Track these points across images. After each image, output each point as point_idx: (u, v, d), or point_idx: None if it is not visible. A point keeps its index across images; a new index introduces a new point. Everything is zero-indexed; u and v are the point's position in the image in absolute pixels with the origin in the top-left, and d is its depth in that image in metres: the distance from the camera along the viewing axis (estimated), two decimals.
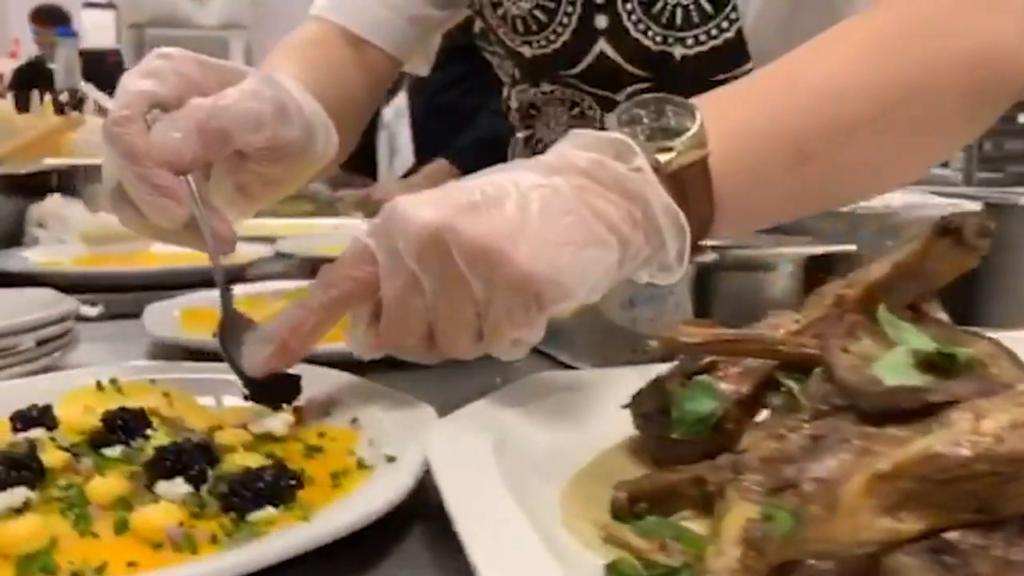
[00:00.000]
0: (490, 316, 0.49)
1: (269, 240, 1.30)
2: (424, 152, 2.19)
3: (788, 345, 0.42)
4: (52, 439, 0.53)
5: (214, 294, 0.94)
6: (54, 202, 1.28)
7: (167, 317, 0.84)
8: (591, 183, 0.50)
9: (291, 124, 0.64)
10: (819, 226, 0.84)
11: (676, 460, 0.46)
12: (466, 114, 2.09)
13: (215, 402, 0.61)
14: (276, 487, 0.43)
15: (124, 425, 0.52)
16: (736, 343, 0.42)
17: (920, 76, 0.59)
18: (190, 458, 0.45)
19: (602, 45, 0.96)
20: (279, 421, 0.54)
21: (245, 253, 1.19)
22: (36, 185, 1.31)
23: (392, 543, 0.44)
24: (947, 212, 0.45)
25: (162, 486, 0.45)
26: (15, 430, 0.53)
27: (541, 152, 1.18)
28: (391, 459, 0.46)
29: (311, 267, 1.23)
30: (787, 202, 0.61)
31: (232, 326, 0.61)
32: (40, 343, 0.67)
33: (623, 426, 0.52)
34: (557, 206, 0.49)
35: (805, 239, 0.83)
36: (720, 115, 0.55)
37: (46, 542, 0.39)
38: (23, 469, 0.44)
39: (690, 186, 0.53)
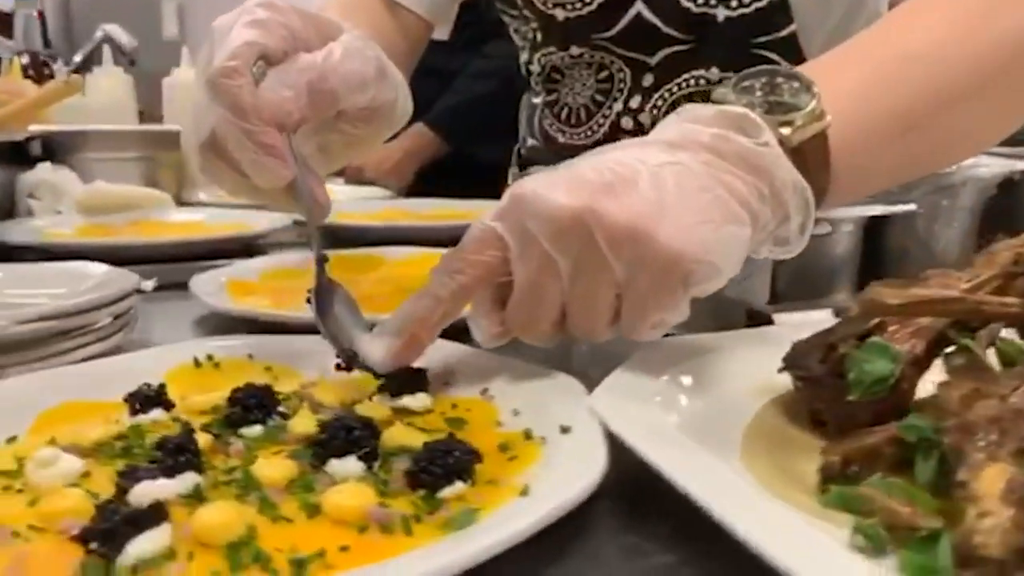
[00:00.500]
0: (632, 298, 0.48)
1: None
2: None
3: (989, 305, 0.42)
4: (176, 419, 0.50)
5: (256, 263, 0.92)
6: (44, 171, 1.21)
7: (215, 288, 0.80)
8: (717, 159, 0.49)
9: (389, 86, 0.62)
10: None
11: (847, 421, 0.45)
12: (449, 77, 2.05)
13: (317, 375, 0.58)
14: (462, 461, 0.41)
15: (257, 403, 0.49)
16: (937, 303, 0.42)
17: None
18: (361, 435, 0.43)
19: (639, 7, 0.95)
20: (416, 399, 0.52)
21: (257, 222, 1.15)
22: (22, 154, 1.24)
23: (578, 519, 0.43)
24: (1001, 172, 0.46)
25: (334, 465, 0.43)
26: (134, 411, 0.50)
27: (567, 117, 1.17)
28: (565, 429, 0.44)
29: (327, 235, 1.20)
30: (894, 170, 0.61)
31: (326, 294, 0.58)
32: (114, 319, 0.63)
33: (763, 387, 0.52)
34: (692, 184, 0.48)
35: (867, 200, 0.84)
36: (832, 85, 0.55)
37: (244, 529, 0.37)
38: (185, 453, 0.42)
39: (811, 159, 0.53)
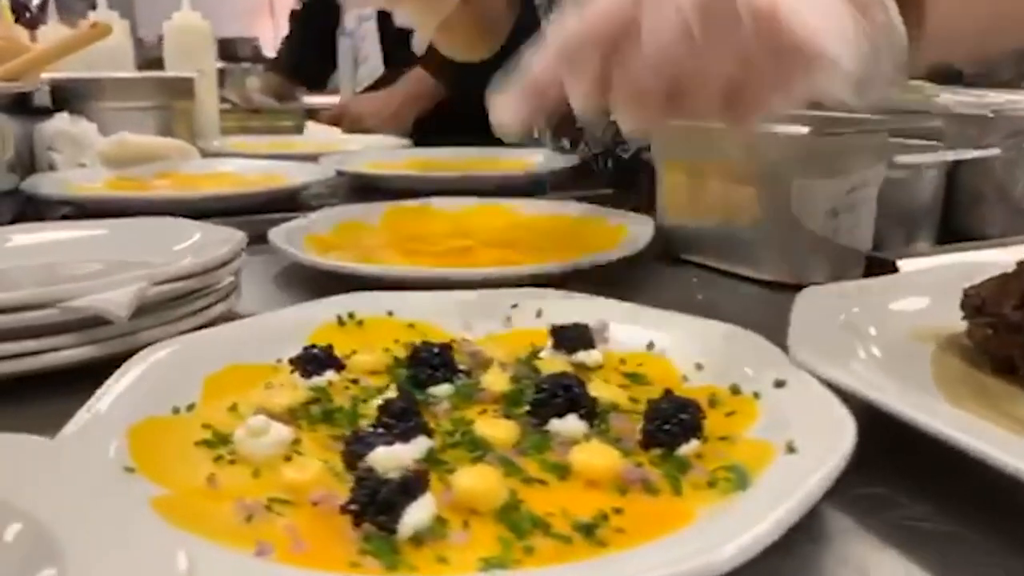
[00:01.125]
0: (756, 76, 0.46)
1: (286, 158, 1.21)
2: (396, 61, 2.08)
3: None
4: (354, 381, 0.48)
5: (322, 217, 0.89)
6: (63, 122, 1.14)
7: (295, 243, 0.77)
8: None
9: None
10: (951, 131, 0.84)
11: None
12: None
13: (460, 330, 0.56)
14: (696, 418, 0.40)
15: (442, 361, 0.47)
16: None
17: None
18: (579, 393, 0.42)
19: None
20: (591, 355, 0.50)
21: (295, 174, 1.11)
22: (26, 103, 1.17)
23: None
24: None
25: (556, 425, 0.42)
26: (307, 373, 0.48)
27: None
28: (779, 383, 0.44)
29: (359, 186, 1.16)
30: (985, 30, 0.60)
31: None
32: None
33: (921, 333, 0.52)
34: None
35: (939, 145, 0.84)
36: None
37: (507, 494, 0.36)
38: (412, 416, 0.40)
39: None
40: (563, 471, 0.38)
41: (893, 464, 0.41)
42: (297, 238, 0.79)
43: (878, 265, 0.67)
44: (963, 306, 0.50)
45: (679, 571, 0.28)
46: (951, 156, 0.81)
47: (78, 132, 1.14)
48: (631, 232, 0.80)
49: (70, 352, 0.50)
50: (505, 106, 0.50)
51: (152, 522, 0.30)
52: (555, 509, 0.35)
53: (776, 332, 0.51)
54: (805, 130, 0.69)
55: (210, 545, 0.32)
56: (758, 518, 0.31)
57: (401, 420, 0.39)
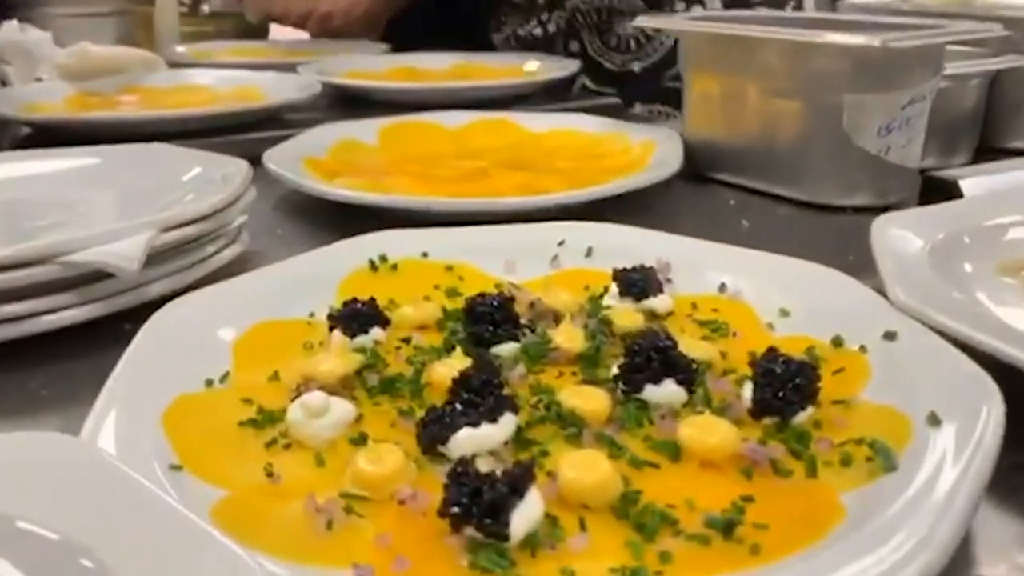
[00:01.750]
0: None
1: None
2: None
3: None
4: (406, 341, 0.43)
5: (315, 137, 0.81)
6: (12, 31, 1.03)
7: (292, 168, 0.70)
8: None
9: None
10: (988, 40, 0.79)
11: None
12: None
13: (502, 271, 0.51)
14: (812, 382, 0.36)
15: (503, 317, 0.42)
16: None
17: None
18: (675, 356, 0.37)
19: None
20: (660, 300, 0.45)
21: (274, 88, 1.02)
22: None
23: None
24: None
25: (652, 392, 0.37)
26: (351, 332, 0.42)
27: None
28: (889, 335, 0.39)
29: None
30: None
31: None
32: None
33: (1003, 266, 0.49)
34: None
35: (988, 52, 0.78)
36: None
37: (620, 482, 0.31)
38: (494, 389, 0.35)
39: None
40: (674, 451, 0.33)
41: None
42: (295, 163, 0.72)
43: (937, 186, 0.62)
44: None
45: None
46: (1001, 64, 0.76)
47: (31, 42, 1.03)
48: (660, 150, 0.74)
49: (72, 312, 0.44)
50: None
51: (222, 547, 0.25)
52: (677, 500, 0.31)
53: (832, 260, 0.47)
54: (860, 39, 0.63)
55: (298, 570, 0.27)
56: (928, 519, 0.27)
57: (482, 396, 0.34)
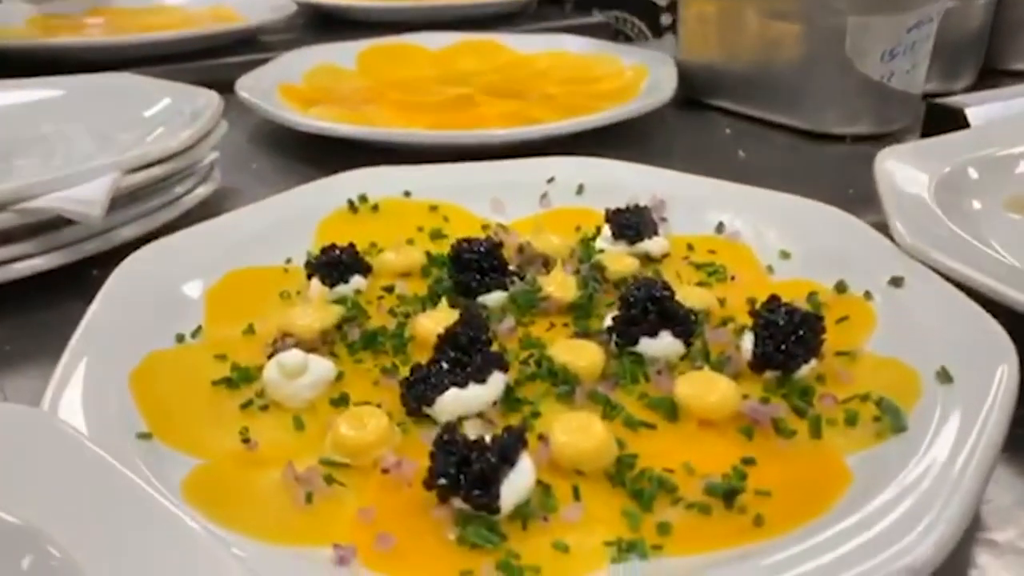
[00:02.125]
0: None
1: None
2: None
3: None
4: (388, 290, 0.41)
5: (288, 63, 0.77)
6: None
7: (266, 96, 0.67)
8: None
9: None
10: None
11: None
12: None
13: (490, 210, 0.48)
14: (816, 333, 0.34)
15: (491, 264, 0.40)
16: None
17: None
18: (672, 307, 0.35)
19: None
20: (655, 242, 0.43)
21: (250, 6, 0.97)
22: None
23: None
24: None
25: (648, 346, 0.35)
26: (329, 281, 0.40)
27: None
28: (896, 281, 0.37)
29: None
30: None
31: None
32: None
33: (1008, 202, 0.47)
34: None
35: None
36: None
37: (615, 447, 0.30)
38: (482, 346, 0.33)
39: None
40: (671, 409, 0.32)
41: None
42: (269, 90, 0.69)
43: (941, 114, 0.59)
44: None
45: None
46: None
47: None
48: (653, 75, 0.71)
49: (35, 261, 0.42)
50: None
51: (191, 534, 0.23)
52: (675, 464, 0.29)
53: (832, 194, 0.45)
54: None
55: (274, 552, 0.25)
56: (941, 490, 0.25)
57: (469, 354, 0.32)
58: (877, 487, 0.27)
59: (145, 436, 0.30)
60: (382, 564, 0.25)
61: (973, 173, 0.49)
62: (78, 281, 0.43)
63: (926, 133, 0.61)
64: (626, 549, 0.26)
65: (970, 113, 0.58)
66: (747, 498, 0.28)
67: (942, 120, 0.59)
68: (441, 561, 0.25)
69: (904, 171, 0.47)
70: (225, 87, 0.63)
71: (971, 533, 0.29)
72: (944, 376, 0.31)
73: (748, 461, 0.29)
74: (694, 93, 0.73)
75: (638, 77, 0.72)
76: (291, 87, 0.72)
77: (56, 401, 0.30)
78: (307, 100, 0.70)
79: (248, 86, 0.68)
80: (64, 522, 0.23)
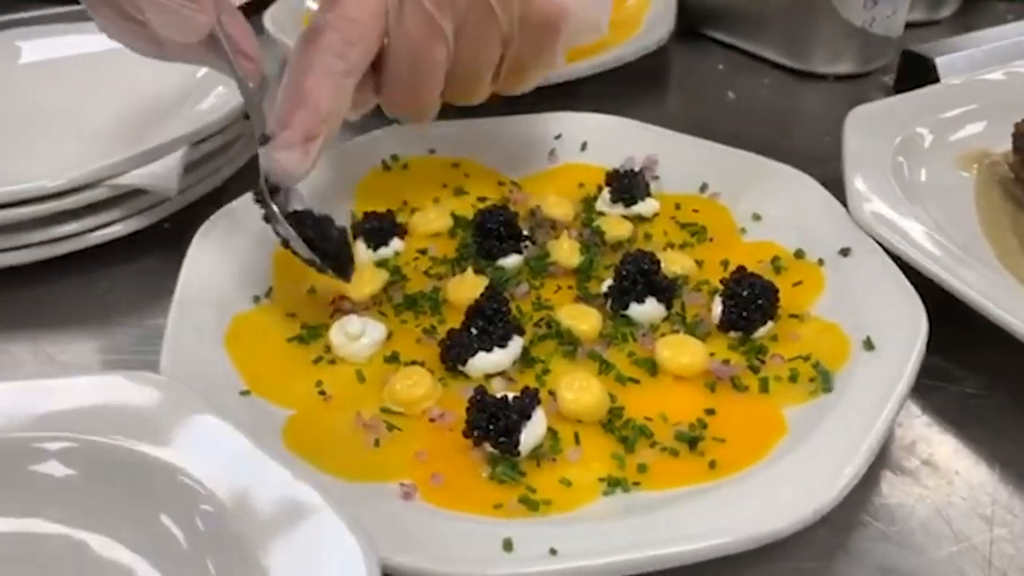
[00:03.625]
0: (514, 55, 0.47)
1: None
2: None
3: None
4: (423, 252, 0.48)
5: None
6: None
7: (293, 30, 0.72)
8: None
9: None
10: None
11: None
12: None
13: (506, 166, 0.55)
14: (772, 299, 0.42)
15: (509, 232, 0.47)
16: None
17: None
18: (657, 279, 0.43)
19: None
20: (647, 204, 0.51)
21: None
22: None
23: None
24: None
25: (636, 311, 0.43)
26: (373, 245, 0.48)
27: None
28: (844, 251, 0.45)
29: None
30: None
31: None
32: None
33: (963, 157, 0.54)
34: None
35: None
36: None
37: (608, 401, 0.38)
38: (504, 315, 0.41)
39: None
40: (652, 367, 0.40)
41: (948, 334, 0.44)
42: (298, 20, 0.74)
43: (914, 60, 0.65)
44: (1015, 141, 0.51)
45: (787, 517, 0.32)
46: None
47: None
48: (654, 8, 0.76)
49: (114, 228, 0.49)
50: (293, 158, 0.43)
51: (302, 476, 0.32)
52: (653, 413, 0.38)
53: (809, 141, 0.53)
54: None
55: (357, 488, 0.34)
56: (851, 443, 0.34)
57: (493, 323, 0.41)
58: (807, 436, 0.36)
59: (245, 393, 0.39)
60: (436, 497, 0.34)
61: (929, 135, 0.55)
62: (151, 236, 0.51)
63: (900, 79, 0.67)
64: (613, 484, 0.35)
65: (940, 63, 0.64)
66: (706, 444, 0.37)
67: (915, 68, 0.65)
68: (479, 495, 0.35)
69: (867, 136, 0.53)
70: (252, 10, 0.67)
71: (881, 467, 0.38)
72: (868, 344, 0.39)
73: (710, 412, 0.38)
74: (692, 23, 0.78)
75: (639, 9, 0.76)
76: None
77: (173, 370, 0.38)
78: None
79: (276, 17, 0.73)
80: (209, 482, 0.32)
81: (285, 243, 0.42)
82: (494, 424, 0.36)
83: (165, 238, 0.51)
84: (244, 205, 0.49)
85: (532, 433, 0.36)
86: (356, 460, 0.36)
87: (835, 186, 0.49)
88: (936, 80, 0.63)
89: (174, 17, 0.40)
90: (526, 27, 0.46)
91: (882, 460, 0.38)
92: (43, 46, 0.65)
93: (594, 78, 0.65)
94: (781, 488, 0.33)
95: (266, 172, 0.43)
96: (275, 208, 0.42)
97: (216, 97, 0.55)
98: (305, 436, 0.37)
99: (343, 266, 0.43)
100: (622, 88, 0.68)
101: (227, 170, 0.54)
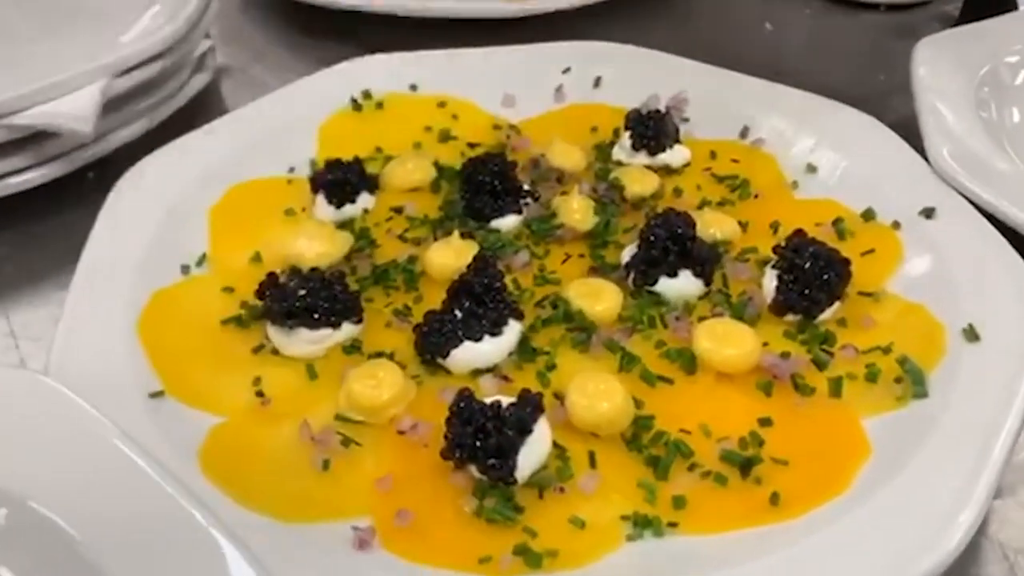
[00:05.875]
0: None
1: None
2: None
3: None
4: (398, 211, 0.39)
5: None
6: None
7: None
8: None
9: None
10: None
11: None
12: None
13: (500, 103, 0.46)
14: (842, 276, 0.33)
15: (504, 188, 0.38)
16: None
17: None
18: (693, 247, 0.34)
19: None
20: (676, 152, 0.41)
21: None
22: None
23: None
24: None
25: (667, 286, 0.34)
26: (336, 201, 0.38)
27: None
28: (927, 212, 0.36)
29: None
30: None
31: None
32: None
33: None
34: None
35: None
36: None
37: (632, 408, 0.29)
38: (496, 294, 0.32)
39: None
40: (689, 362, 0.31)
41: None
42: None
43: None
44: None
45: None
46: None
47: None
48: None
49: (27, 175, 0.40)
50: None
51: (213, 520, 0.23)
52: (691, 424, 0.29)
53: (861, 80, 0.45)
54: None
55: (292, 533, 0.25)
56: (966, 474, 0.25)
57: (483, 303, 0.31)
58: (897, 463, 0.27)
59: (157, 395, 0.30)
60: (401, 545, 0.26)
61: (1021, 68, 0.45)
62: (73, 188, 0.42)
63: (968, 7, 0.57)
64: (642, 525, 0.26)
65: None
66: (764, 469, 0.28)
67: None
68: (460, 542, 0.26)
69: (943, 70, 0.44)
70: None
71: None
72: (971, 334, 0.30)
73: (765, 422, 0.29)
74: None
75: None
76: None
77: (62, 362, 0.29)
78: None
79: None
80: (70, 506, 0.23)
81: None
82: (482, 440, 0.27)
83: (87, 190, 0.41)
84: (177, 151, 0.40)
85: (533, 453, 0.27)
86: (296, 491, 0.27)
87: (900, 132, 0.40)
88: (1014, 7, 0.53)
89: None
90: None
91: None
92: None
93: (610, 12, 0.54)
94: (873, 537, 0.24)
95: None
96: None
97: (151, 18, 0.45)
98: (230, 456, 0.28)
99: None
100: (642, 15, 0.58)
101: (163, 109, 0.44)
